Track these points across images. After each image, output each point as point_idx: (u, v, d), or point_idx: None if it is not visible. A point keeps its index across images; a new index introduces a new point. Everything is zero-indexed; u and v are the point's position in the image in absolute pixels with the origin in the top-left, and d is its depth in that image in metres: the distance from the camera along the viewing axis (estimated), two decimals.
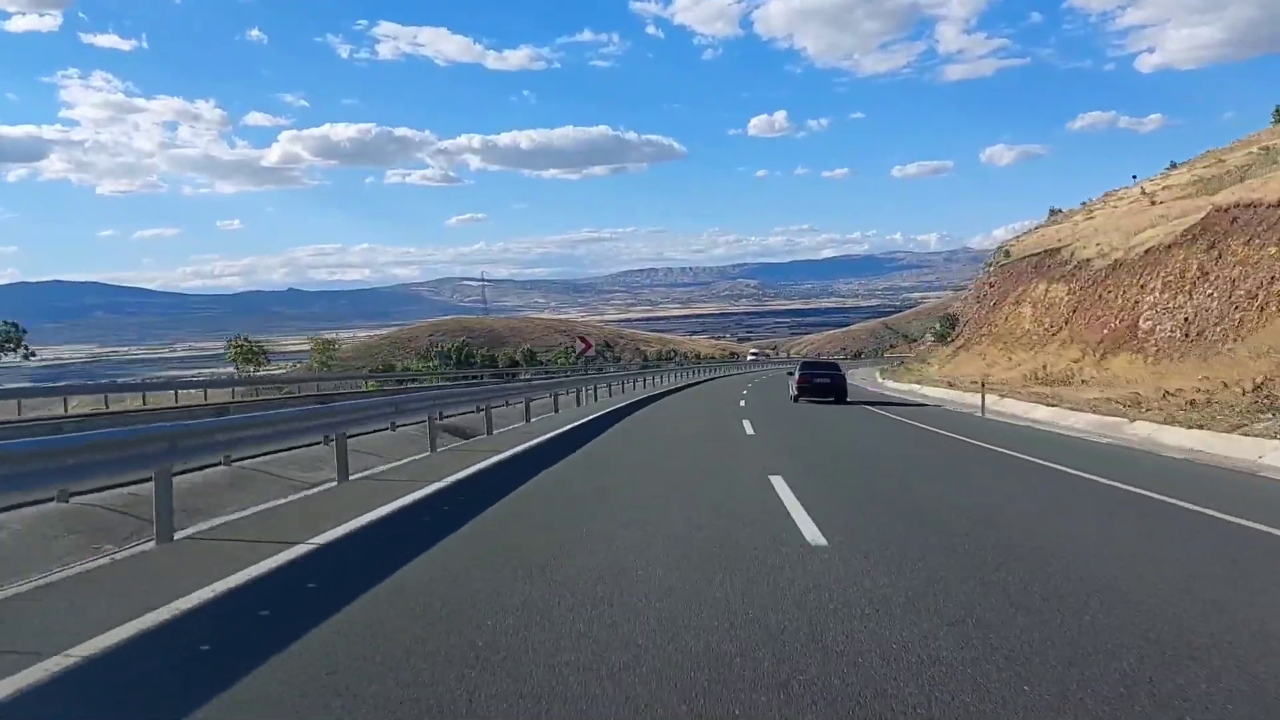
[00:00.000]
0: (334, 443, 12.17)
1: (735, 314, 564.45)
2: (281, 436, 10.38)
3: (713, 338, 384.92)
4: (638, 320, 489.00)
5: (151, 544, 7.82)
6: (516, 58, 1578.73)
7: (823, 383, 32.78)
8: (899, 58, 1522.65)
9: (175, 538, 7.97)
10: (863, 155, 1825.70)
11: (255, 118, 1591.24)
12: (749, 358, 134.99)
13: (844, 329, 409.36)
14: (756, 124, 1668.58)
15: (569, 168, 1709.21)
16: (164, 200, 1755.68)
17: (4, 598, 6.09)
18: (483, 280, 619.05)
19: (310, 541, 7.70)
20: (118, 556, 7.41)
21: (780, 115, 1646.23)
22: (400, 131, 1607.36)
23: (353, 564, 7.08)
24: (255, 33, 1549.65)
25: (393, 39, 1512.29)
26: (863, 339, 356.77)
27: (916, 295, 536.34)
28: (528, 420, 22.08)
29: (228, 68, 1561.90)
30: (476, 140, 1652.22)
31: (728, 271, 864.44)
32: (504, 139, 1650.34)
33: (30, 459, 6.48)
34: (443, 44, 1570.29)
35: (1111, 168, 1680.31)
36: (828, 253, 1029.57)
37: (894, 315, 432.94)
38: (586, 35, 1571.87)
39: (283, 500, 10.39)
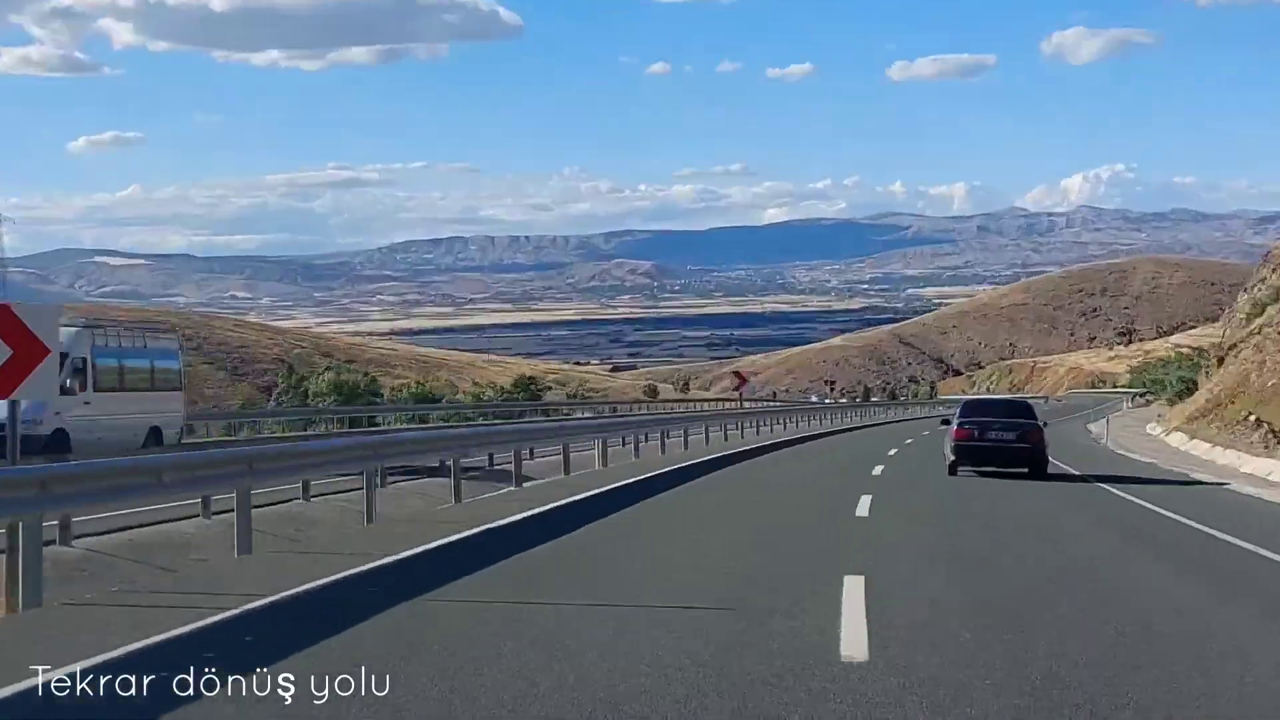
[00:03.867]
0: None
1: (613, 321, 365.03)
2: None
3: (576, 363, 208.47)
4: (423, 334, 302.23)
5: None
6: None
7: (1002, 441, 21.48)
8: None
9: None
10: (838, 39, 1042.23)
11: None
12: None
13: (819, 344, 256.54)
14: None
15: (301, 49, 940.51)
16: None
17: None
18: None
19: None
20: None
21: None
22: None
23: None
24: None
25: None
26: (858, 361, 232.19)
27: (930, 291, 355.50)
28: None
29: None
30: None
31: (595, 245, 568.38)
32: None
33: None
34: None
35: (1267, 69, 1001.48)
36: (775, 214, 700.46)
37: (907, 321, 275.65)
38: None
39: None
